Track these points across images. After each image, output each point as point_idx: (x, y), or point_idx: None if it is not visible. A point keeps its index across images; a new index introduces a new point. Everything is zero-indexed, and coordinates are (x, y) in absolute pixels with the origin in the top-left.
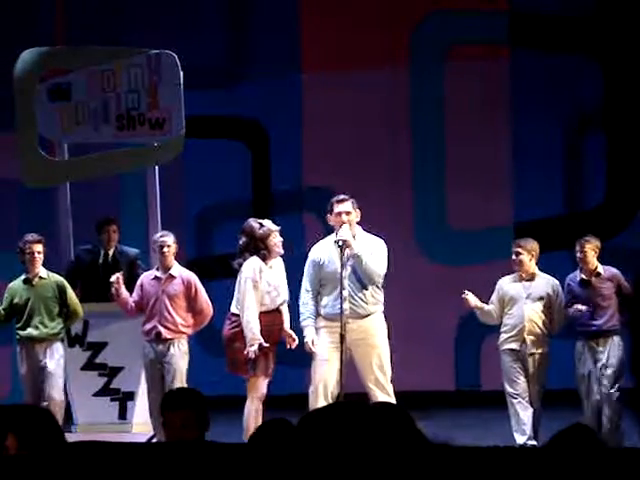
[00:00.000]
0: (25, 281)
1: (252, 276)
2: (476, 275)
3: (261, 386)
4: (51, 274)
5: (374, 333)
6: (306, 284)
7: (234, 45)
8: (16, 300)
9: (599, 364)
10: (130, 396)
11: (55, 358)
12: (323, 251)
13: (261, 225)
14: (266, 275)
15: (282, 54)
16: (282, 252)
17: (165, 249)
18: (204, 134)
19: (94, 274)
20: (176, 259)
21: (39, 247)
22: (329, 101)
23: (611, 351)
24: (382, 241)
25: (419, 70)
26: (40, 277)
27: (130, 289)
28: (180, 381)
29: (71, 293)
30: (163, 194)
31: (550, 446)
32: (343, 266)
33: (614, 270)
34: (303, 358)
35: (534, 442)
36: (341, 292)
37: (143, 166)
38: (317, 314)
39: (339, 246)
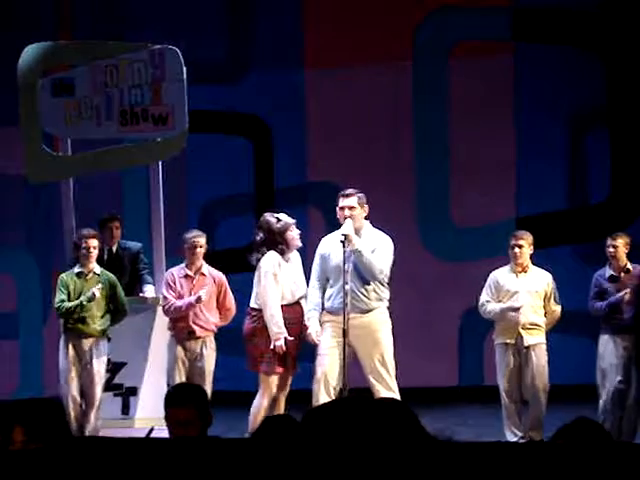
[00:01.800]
0: (79, 275)
1: (272, 270)
2: (479, 270)
3: (273, 383)
4: (104, 270)
5: (376, 328)
6: (313, 277)
7: (237, 41)
8: (69, 293)
9: (621, 358)
10: (133, 391)
11: (101, 357)
12: (329, 245)
13: (278, 219)
14: (285, 269)
15: (285, 50)
16: (300, 245)
17: (198, 249)
18: (207, 129)
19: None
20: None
21: (95, 242)
22: (332, 96)
23: (635, 347)
24: (388, 238)
25: (422, 66)
26: (94, 273)
27: (133, 283)
28: (208, 378)
29: (121, 291)
30: (166, 189)
31: (554, 441)
32: (345, 261)
33: None
34: (308, 353)
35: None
36: (343, 286)
37: (146, 162)
38: (323, 308)
39: (341, 241)
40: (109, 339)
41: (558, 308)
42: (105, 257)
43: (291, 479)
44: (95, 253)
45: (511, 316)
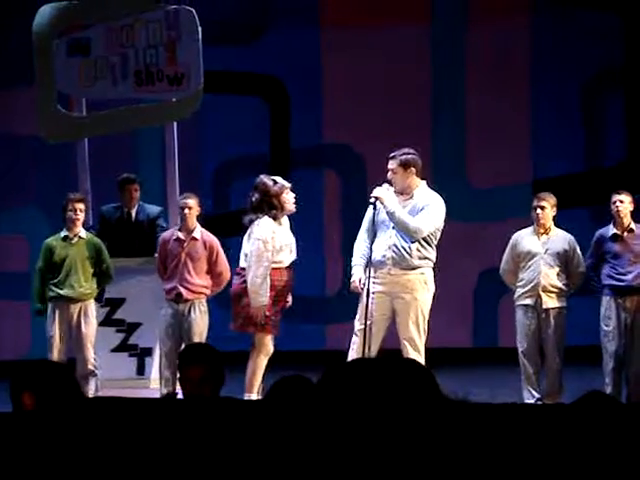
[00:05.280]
0: (64, 239)
1: (263, 238)
2: (494, 232)
3: (269, 342)
4: (89, 234)
5: (415, 288)
6: (362, 229)
7: (253, 0)
8: (54, 257)
9: (624, 320)
10: (148, 352)
11: (89, 320)
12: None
13: (274, 182)
14: (279, 234)
15: (302, 9)
16: (293, 210)
17: (186, 211)
18: (222, 89)
19: (119, 231)
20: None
21: (81, 205)
22: (349, 57)
23: (638, 309)
24: (438, 198)
25: (440, 26)
26: (79, 237)
27: (151, 247)
28: (199, 338)
29: (107, 255)
30: (181, 150)
31: (567, 407)
32: (374, 221)
33: None
34: (320, 314)
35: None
36: (371, 245)
37: (161, 122)
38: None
39: (371, 203)
40: (100, 302)
41: (582, 270)
42: (124, 220)
43: (305, 441)
44: (82, 217)
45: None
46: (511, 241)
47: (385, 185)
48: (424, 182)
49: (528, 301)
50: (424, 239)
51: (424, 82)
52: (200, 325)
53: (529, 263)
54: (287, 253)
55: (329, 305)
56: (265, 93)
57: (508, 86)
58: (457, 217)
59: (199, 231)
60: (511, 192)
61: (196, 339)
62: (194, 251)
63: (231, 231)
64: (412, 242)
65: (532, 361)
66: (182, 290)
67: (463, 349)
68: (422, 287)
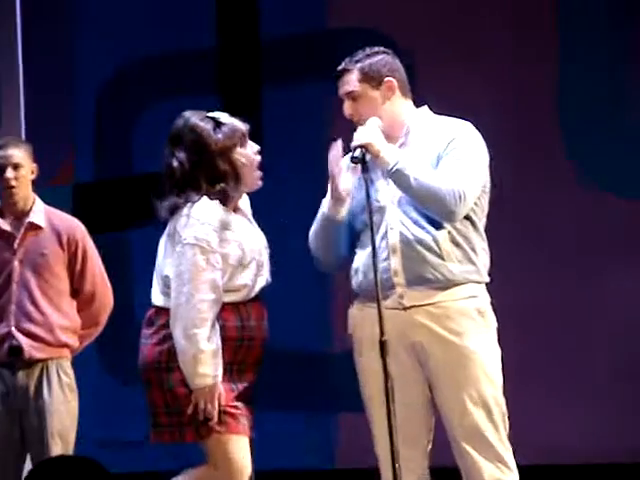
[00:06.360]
0: None
1: (205, 241)
2: None
3: (239, 453)
4: None
5: (462, 328)
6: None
7: None
8: None
9: None
10: None
11: None
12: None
13: (217, 124)
14: (235, 233)
15: None
16: (259, 183)
17: (9, 174)
18: None
19: None
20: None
21: None
22: None
23: None
24: (467, 126)
25: None
26: None
27: None
28: (62, 442)
29: None
30: (33, 54)
31: None
32: (369, 194)
33: None
34: (324, 392)
35: None
36: (373, 245)
37: None
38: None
39: (354, 159)
40: None
41: None
42: None
43: None
44: None
45: None
46: None
47: (372, 120)
48: (425, 107)
49: None
50: (468, 219)
51: None
52: (61, 410)
53: None
54: (252, 270)
55: (341, 372)
56: None
57: None
58: (610, 188)
59: (41, 212)
60: None
61: (55, 444)
62: (38, 252)
63: (134, 220)
64: (439, 229)
65: None
66: (22, 339)
67: (604, 466)
68: (477, 324)
